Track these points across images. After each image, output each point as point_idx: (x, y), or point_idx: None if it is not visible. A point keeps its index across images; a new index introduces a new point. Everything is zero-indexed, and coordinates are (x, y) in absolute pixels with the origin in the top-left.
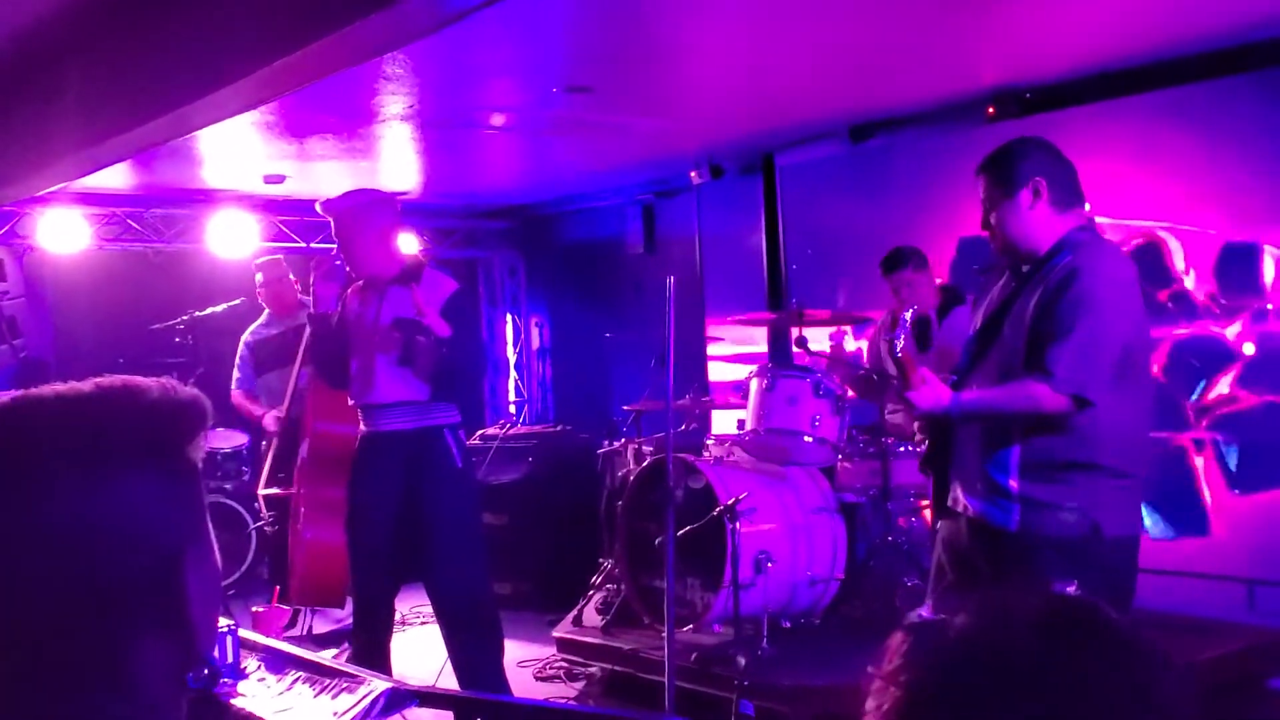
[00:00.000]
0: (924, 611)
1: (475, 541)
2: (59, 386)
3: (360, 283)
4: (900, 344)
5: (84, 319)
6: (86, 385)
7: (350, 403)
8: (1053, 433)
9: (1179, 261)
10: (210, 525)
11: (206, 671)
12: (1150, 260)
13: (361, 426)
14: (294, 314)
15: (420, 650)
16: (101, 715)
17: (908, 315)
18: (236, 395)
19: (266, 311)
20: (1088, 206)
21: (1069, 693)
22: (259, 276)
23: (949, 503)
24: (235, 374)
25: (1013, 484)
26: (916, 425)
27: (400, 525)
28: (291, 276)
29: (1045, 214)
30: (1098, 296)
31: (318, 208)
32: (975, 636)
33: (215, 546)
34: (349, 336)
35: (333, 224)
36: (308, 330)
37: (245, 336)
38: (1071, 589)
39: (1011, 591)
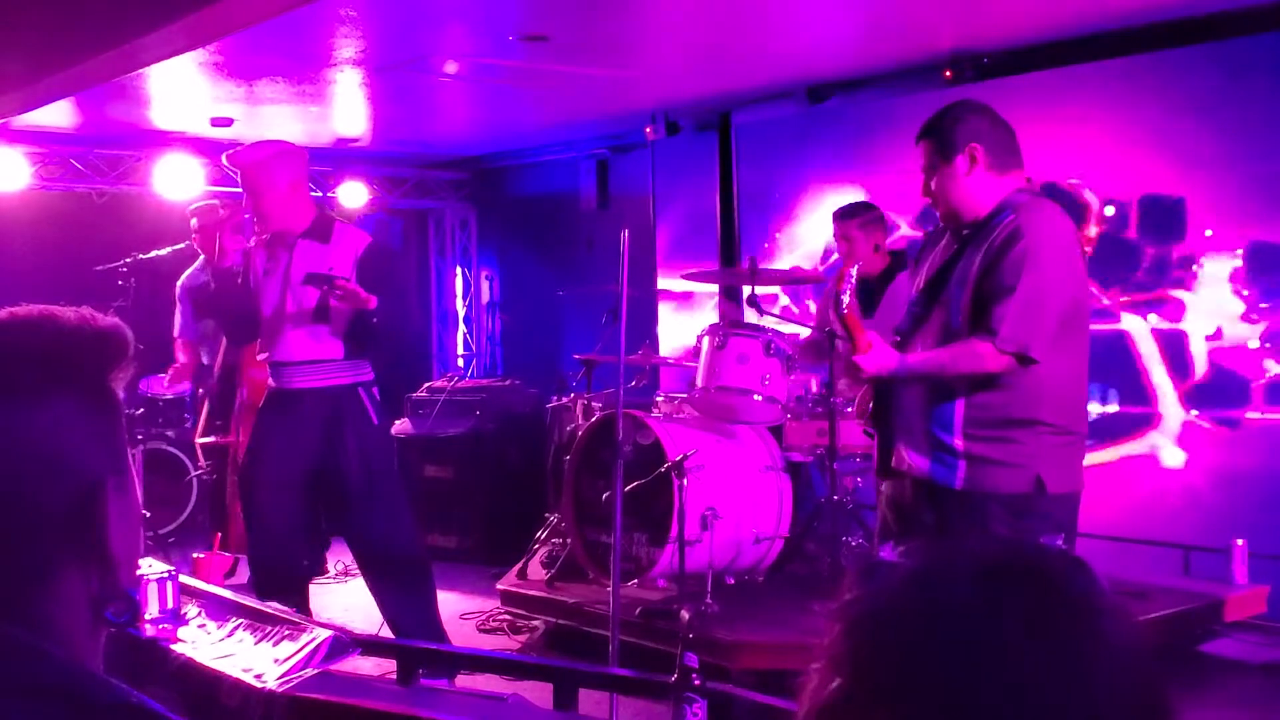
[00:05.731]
0: (883, 553)
1: (398, 496)
2: None
3: (266, 237)
4: (846, 300)
5: (23, 260)
6: (1, 314)
7: (260, 357)
8: (995, 390)
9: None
10: (130, 459)
11: (126, 606)
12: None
13: (270, 382)
14: None
15: (363, 601)
16: (15, 646)
17: (853, 271)
18: (180, 345)
19: (201, 257)
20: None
21: (991, 633)
22: (194, 222)
23: (894, 463)
24: (176, 320)
25: (957, 442)
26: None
27: (311, 487)
28: None
29: (983, 178)
30: (1040, 255)
31: (224, 160)
32: (917, 574)
33: (136, 480)
34: (257, 292)
35: (240, 176)
36: (211, 285)
37: (180, 281)
38: (1059, 541)
39: (969, 538)
